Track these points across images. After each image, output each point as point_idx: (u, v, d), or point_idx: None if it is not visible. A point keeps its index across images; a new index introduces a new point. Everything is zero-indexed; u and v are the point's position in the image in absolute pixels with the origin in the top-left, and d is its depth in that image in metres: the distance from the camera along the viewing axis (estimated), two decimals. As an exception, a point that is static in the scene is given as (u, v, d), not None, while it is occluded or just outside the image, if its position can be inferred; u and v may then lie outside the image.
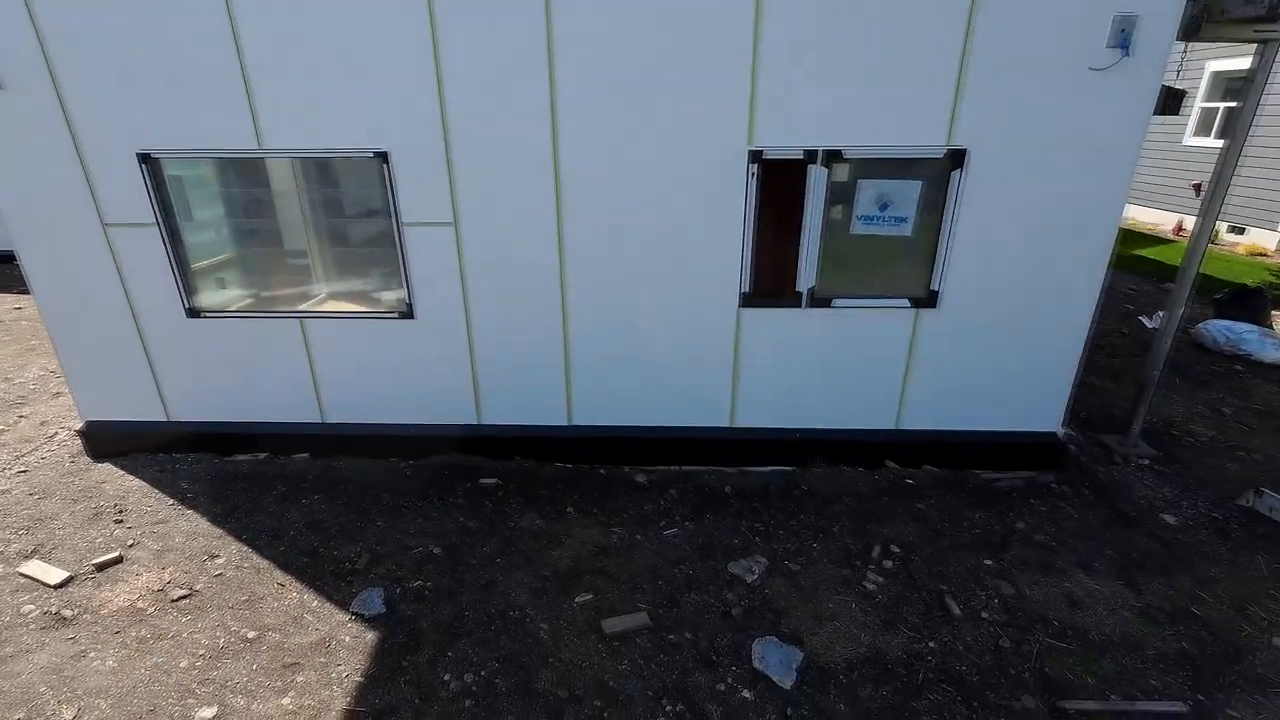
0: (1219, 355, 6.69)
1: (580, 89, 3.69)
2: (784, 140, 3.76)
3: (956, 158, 3.77)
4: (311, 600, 3.37)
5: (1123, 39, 3.49)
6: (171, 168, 3.99)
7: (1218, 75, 11.73)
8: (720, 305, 4.19)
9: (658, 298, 4.20)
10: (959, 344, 4.23)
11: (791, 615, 3.30)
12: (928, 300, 4.13)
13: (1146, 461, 4.71)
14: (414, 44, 3.61)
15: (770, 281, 4.14)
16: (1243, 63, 11.21)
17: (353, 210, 4.23)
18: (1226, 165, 4.16)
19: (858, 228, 3.99)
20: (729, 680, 2.94)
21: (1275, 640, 3.13)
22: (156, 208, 4.01)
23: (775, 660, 3.00)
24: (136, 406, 4.61)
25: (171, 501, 4.15)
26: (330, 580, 3.51)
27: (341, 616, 3.27)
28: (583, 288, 4.19)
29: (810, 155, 3.79)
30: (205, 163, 4.05)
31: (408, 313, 4.28)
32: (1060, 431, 4.50)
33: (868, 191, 3.92)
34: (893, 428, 4.51)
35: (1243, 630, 3.20)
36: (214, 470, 4.50)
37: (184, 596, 3.39)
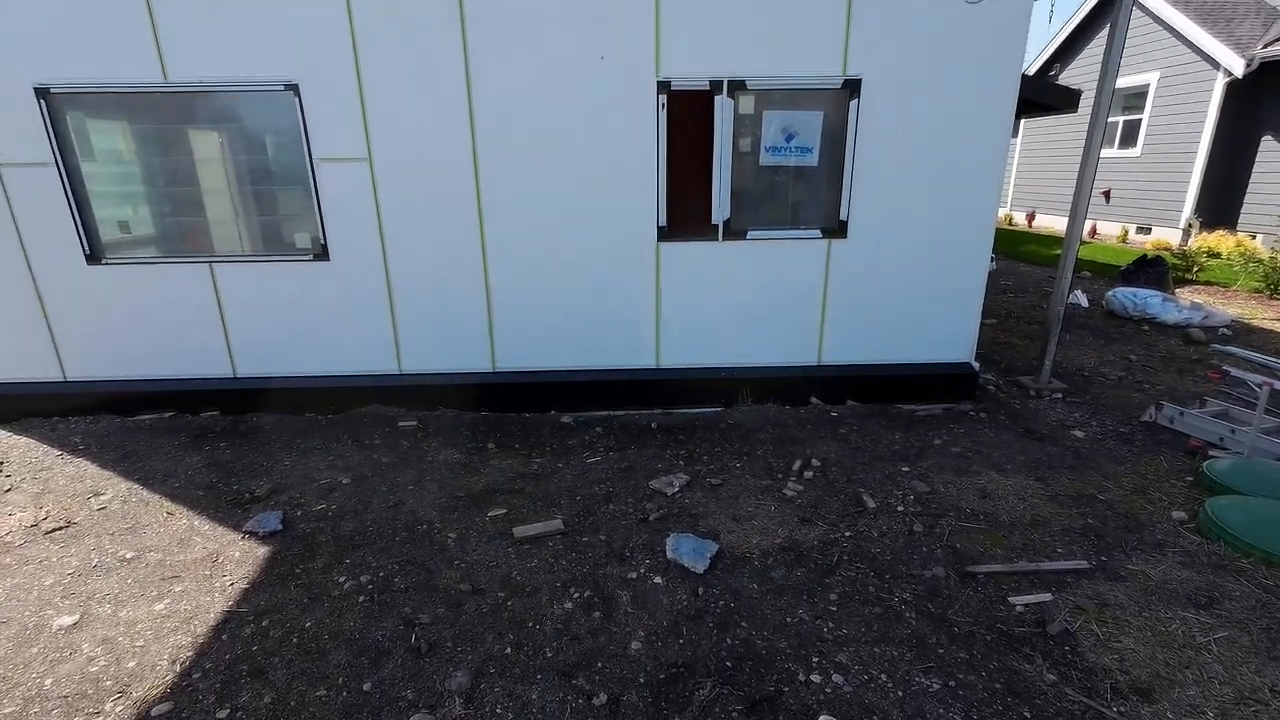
0: (1127, 319, 7.06)
1: (493, 20, 3.80)
2: (690, 70, 3.92)
3: (853, 87, 3.98)
4: (202, 525, 3.16)
5: (992, -26, 3.80)
6: (73, 105, 3.90)
7: (1117, 92, 12.79)
8: (640, 240, 4.25)
9: (578, 234, 4.24)
10: (870, 273, 4.37)
11: (709, 518, 3.24)
12: (838, 230, 4.27)
13: (1059, 395, 4.87)
14: (324, -25, 3.68)
15: (686, 215, 4.24)
16: (1139, 78, 12.35)
17: (266, 149, 4.17)
18: (1086, 167, 4.53)
19: (766, 159, 4.15)
20: (641, 570, 2.84)
21: (1174, 514, 3.21)
22: (55, 145, 3.90)
23: (688, 550, 2.92)
24: (29, 365, 4.35)
25: (59, 452, 3.88)
26: (225, 508, 3.30)
27: (233, 536, 3.06)
28: (502, 226, 4.20)
29: (716, 85, 3.95)
30: (110, 99, 3.95)
31: (322, 255, 4.20)
32: (975, 364, 4.64)
33: (773, 122, 4.09)
34: (815, 363, 4.58)
35: (1144, 508, 3.28)
36: (113, 427, 4.24)
37: (59, 529, 3.13)
